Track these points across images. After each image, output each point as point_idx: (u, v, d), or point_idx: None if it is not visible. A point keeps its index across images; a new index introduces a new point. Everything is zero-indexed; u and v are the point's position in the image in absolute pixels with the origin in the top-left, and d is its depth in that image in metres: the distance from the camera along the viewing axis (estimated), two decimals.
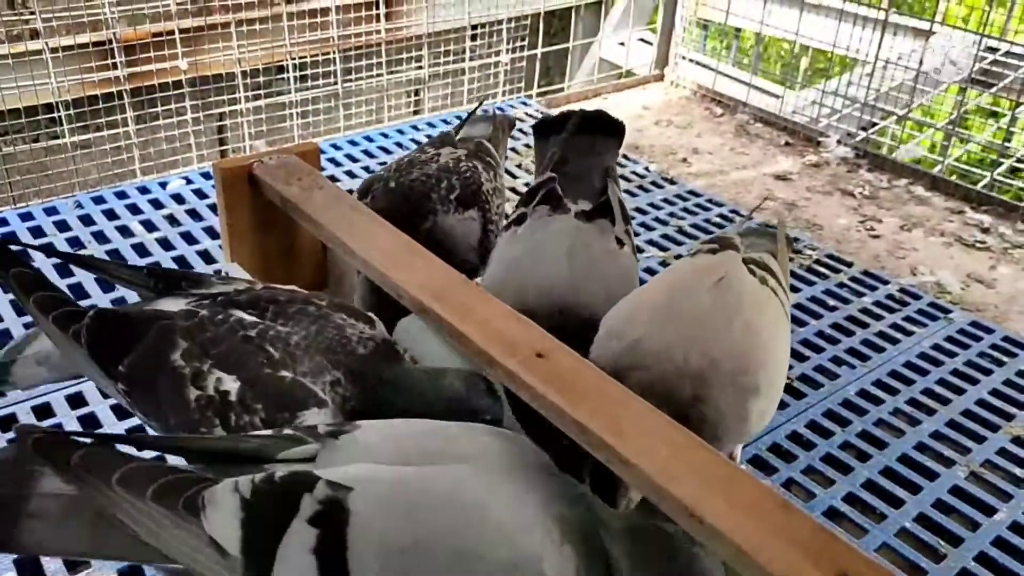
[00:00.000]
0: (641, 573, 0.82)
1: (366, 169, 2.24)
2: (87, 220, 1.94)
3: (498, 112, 1.75)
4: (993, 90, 2.88)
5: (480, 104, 1.88)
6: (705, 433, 1.04)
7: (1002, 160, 2.48)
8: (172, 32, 2.21)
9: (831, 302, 1.82)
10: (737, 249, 1.25)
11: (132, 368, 1.00)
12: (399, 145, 2.37)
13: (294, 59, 2.41)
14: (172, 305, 1.06)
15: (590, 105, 2.87)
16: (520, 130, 2.51)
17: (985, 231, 2.22)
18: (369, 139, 2.41)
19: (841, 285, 1.89)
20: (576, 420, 0.96)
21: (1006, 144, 2.54)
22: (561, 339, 1.09)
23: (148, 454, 1.08)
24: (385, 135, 2.43)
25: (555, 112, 2.78)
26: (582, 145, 1.50)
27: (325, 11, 2.43)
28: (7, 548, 0.81)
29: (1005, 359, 1.67)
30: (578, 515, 0.82)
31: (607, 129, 1.54)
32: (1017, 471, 1.41)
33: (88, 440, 0.80)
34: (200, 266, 1.79)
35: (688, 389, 1.06)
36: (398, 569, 0.73)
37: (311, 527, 0.73)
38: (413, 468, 0.79)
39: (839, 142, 2.59)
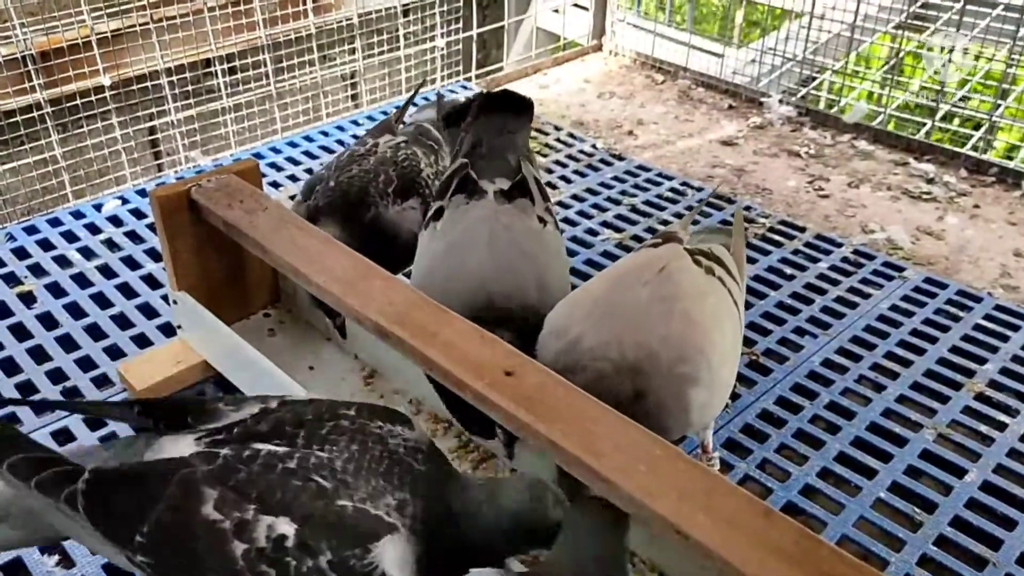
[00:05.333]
0: None
1: (308, 171, 2.18)
2: (21, 253, 1.85)
3: (442, 96, 1.78)
4: (924, 35, 2.90)
5: (416, 91, 1.88)
6: (649, 427, 1.03)
7: (940, 106, 2.50)
8: (89, 38, 2.10)
9: (788, 271, 1.83)
10: (680, 242, 1.24)
11: (153, 536, 0.87)
12: (340, 143, 2.32)
13: (223, 64, 2.32)
14: (181, 447, 0.93)
15: (531, 82, 2.82)
16: None
17: (930, 181, 2.25)
18: (309, 139, 2.34)
19: (796, 252, 1.90)
20: (551, 440, 0.94)
21: (941, 90, 2.56)
22: (492, 330, 1.10)
23: None
24: (325, 133, 2.37)
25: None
26: (492, 125, 1.45)
27: (250, 9, 2.34)
28: None
29: (961, 314, 1.70)
30: None
31: (514, 107, 1.49)
32: (983, 428, 1.44)
33: None
34: (145, 292, 1.73)
35: (628, 386, 1.06)
36: None
37: None
38: None
39: (781, 101, 2.59)
